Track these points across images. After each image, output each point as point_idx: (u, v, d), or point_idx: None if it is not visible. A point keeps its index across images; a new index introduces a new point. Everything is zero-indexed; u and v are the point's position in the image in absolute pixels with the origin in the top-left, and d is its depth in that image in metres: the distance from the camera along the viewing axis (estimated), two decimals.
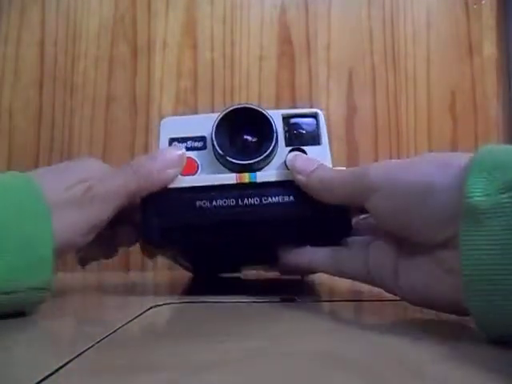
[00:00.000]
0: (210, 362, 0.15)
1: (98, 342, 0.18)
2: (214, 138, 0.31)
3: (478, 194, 0.18)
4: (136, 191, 0.29)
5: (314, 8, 0.70)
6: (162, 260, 0.54)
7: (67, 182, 0.27)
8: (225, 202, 0.29)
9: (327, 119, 0.33)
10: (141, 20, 0.69)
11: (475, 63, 0.71)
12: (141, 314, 0.24)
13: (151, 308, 0.26)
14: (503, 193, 0.17)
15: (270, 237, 0.31)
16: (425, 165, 0.23)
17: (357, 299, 0.33)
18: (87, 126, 0.66)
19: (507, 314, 0.17)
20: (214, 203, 0.29)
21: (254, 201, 0.29)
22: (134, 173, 0.29)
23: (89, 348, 0.17)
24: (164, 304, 0.28)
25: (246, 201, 0.29)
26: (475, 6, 0.72)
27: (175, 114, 0.66)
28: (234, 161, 0.30)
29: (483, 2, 0.72)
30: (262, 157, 0.30)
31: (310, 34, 0.70)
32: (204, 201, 0.29)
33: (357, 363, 0.15)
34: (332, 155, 0.31)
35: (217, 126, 0.31)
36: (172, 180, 0.30)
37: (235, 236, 0.30)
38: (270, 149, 0.30)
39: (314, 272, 0.34)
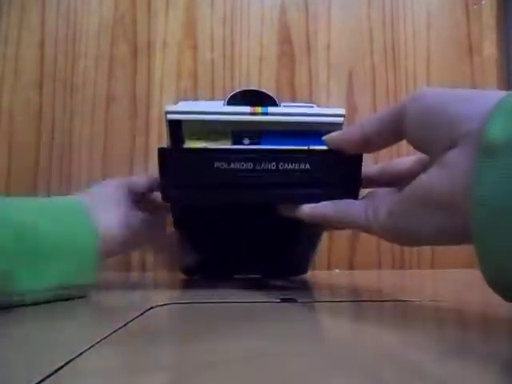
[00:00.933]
0: (209, 362, 0.15)
1: (98, 342, 0.18)
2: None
3: (495, 131, 0.18)
4: None
5: (314, 8, 0.70)
6: (161, 260, 0.54)
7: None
8: (242, 165, 0.30)
9: None
10: (141, 20, 0.69)
11: (475, 63, 0.71)
12: (141, 314, 0.24)
13: (151, 308, 0.26)
14: None
15: (280, 201, 0.32)
16: (470, 90, 0.23)
17: (357, 299, 0.33)
18: (87, 126, 0.66)
19: (508, 244, 0.18)
20: (232, 166, 0.30)
21: (271, 166, 0.30)
22: None
23: (89, 348, 0.17)
24: (164, 304, 0.28)
25: (262, 165, 0.30)
26: (475, 7, 0.72)
27: None
28: None
29: (483, 2, 0.72)
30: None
31: (310, 33, 0.70)
32: (222, 162, 0.30)
33: (357, 363, 0.15)
34: None
35: (228, 101, 0.33)
36: None
37: (246, 199, 0.31)
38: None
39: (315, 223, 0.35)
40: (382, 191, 0.30)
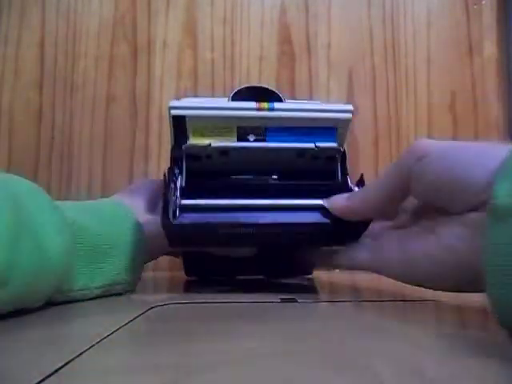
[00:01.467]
0: (210, 362, 0.15)
1: (98, 342, 0.18)
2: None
3: (502, 195, 0.19)
4: None
5: (314, 8, 0.70)
6: (162, 260, 0.54)
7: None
8: (247, 230, 0.30)
9: None
10: (141, 20, 0.69)
11: (475, 63, 0.71)
12: (141, 314, 0.24)
13: (151, 308, 0.26)
14: None
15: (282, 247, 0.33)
16: (472, 145, 0.24)
17: (357, 299, 0.33)
18: (87, 126, 0.66)
19: None
20: (237, 231, 0.30)
21: (275, 230, 0.30)
22: None
23: (89, 348, 0.17)
24: (164, 304, 0.28)
25: (266, 230, 0.30)
26: (475, 6, 0.72)
27: None
28: None
29: (483, 2, 0.72)
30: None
31: (310, 33, 0.70)
32: (227, 229, 0.29)
33: (356, 363, 0.15)
34: None
35: (232, 96, 0.33)
36: None
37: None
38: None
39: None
40: (380, 230, 0.30)
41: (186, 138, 0.31)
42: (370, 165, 0.66)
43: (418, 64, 0.71)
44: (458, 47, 0.71)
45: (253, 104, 0.31)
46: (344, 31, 0.70)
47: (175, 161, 0.32)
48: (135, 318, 0.23)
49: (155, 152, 0.66)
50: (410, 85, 0.70)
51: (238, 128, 0.31)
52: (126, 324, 0.22)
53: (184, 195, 0.30)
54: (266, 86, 0.34)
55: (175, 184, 0.30)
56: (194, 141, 0.31)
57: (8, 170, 0.27)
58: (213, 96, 0.68)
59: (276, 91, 0.34)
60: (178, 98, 0.33)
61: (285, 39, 0.70)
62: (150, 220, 0.35)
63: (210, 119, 0.31)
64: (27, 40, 0.67)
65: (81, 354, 0.16)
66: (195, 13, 0.69)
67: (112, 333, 0.19)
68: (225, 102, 0.33)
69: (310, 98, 0.68)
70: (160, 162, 0.66)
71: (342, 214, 0.29)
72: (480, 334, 0.19)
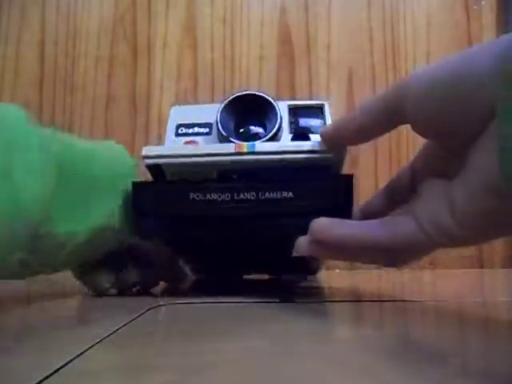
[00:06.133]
0: (209, 362, 0.15)
1: (98, 342, 0.18)
2: (218, 121, 0.31)
3: None
4: None
5: (314, 8, 0.70)
6: None
7: None
8: (219, 196, 0.28)
9: None
10: (141, 20, 0.69)
11: None
12: (141, 314, 0.24)
13: (151, 308, 0.26)
14: None
15: (265, 233, 0.29)
16: (459, 56, 0.20)
17: (357, 299, 0.33)
18: (87, 125, 0.66)
19: None
20: (208, 197, 0.28)
21: (250, 196, 0.28)
22: None
23: (89, 348, 0.17)
24: (164, 304, 0.28)
25: (241, 195, 0.28)
26: (475, 7, 0.72)
27: None
28: (236, 142, 0.30)
29: (483, 2, 0.72)
30: (264, 139, 0.30)
31: (310, 34, 0.70)
32: (198, 193, 0.28)
33: (356, 363, 0.15)
34: None
35: (222, 109, 0.32)
36: None
37: (227, 233, 0.29)
38: (274, 132, 0.31)
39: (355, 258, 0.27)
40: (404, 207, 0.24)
41: (166, 179, 0.30)
42: (369, 167, 0.66)
43: (417, 64, 0.71)
44: (457, 47, 0.71)
45: (231, 147, 0.28)
46: (344, 31, 0.70)
47: None
48: (135, 318, 0.23)
49: None
50: None
51: (219, 171, 0.29)
52: (126, 324, 0.22)
53: None
54: (260, 93, 0.32)
55: None
56: None
57: None
58: (212, 95, 0.68)
59: (269, 98, 0.32)
60: (174, 103, 0.32)
61: (285, 39, 0.70)
62: None
63: (186, 166, 0.29)
64: (27, 39, 0.67)
65: (81, 354, 0.16)
66: (195, 13, 0.69)
67: (112, 333, 0.19)
68: (202, 145, 0.31)
69: (310, 98, 0.68)
70: None
71: (328, 137, 0.26)
72: (480, 334, 0.19)
